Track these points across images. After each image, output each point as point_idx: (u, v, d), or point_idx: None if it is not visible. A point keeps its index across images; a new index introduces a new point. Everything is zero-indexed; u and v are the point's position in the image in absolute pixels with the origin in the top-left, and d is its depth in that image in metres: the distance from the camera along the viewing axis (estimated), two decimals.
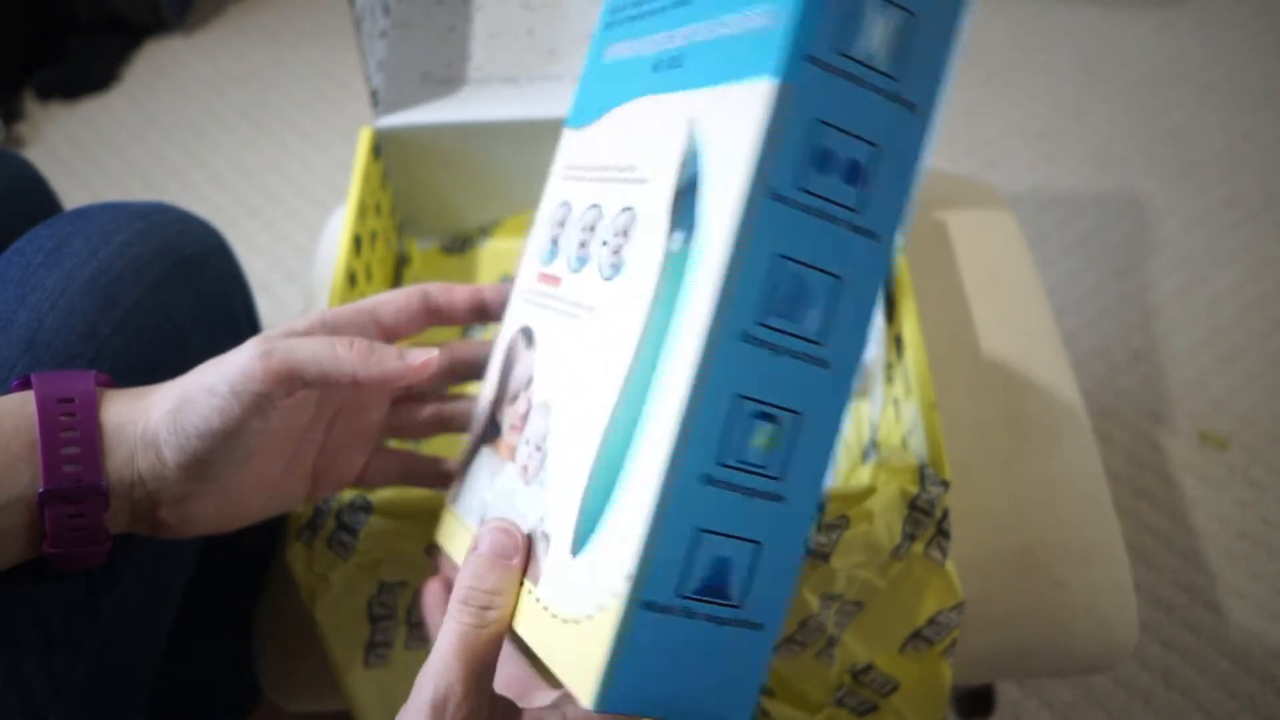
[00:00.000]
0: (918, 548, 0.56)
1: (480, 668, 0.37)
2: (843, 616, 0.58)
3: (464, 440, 0.49)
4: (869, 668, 0.59)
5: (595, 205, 0.43)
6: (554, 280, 0.44)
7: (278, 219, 1.41)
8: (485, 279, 0.80)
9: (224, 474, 0.43)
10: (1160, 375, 1.17)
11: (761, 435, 0.34)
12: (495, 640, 0.38)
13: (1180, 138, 1.43)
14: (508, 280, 0.50)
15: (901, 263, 0.68)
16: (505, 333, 0.48)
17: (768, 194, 0.33)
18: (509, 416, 0.45)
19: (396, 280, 0.80)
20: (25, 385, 0.42)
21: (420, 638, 0.59)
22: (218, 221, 0.64)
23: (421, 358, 0.43)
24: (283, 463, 0.46)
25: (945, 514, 0.55)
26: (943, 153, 1.43)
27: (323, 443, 0.48)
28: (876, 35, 0.33)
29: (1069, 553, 0.67)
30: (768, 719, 0.61)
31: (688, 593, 0.34)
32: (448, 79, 0.77)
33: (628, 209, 0.40)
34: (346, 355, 0.41)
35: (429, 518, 0.52)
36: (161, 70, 1.63)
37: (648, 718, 0.34)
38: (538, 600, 0.37)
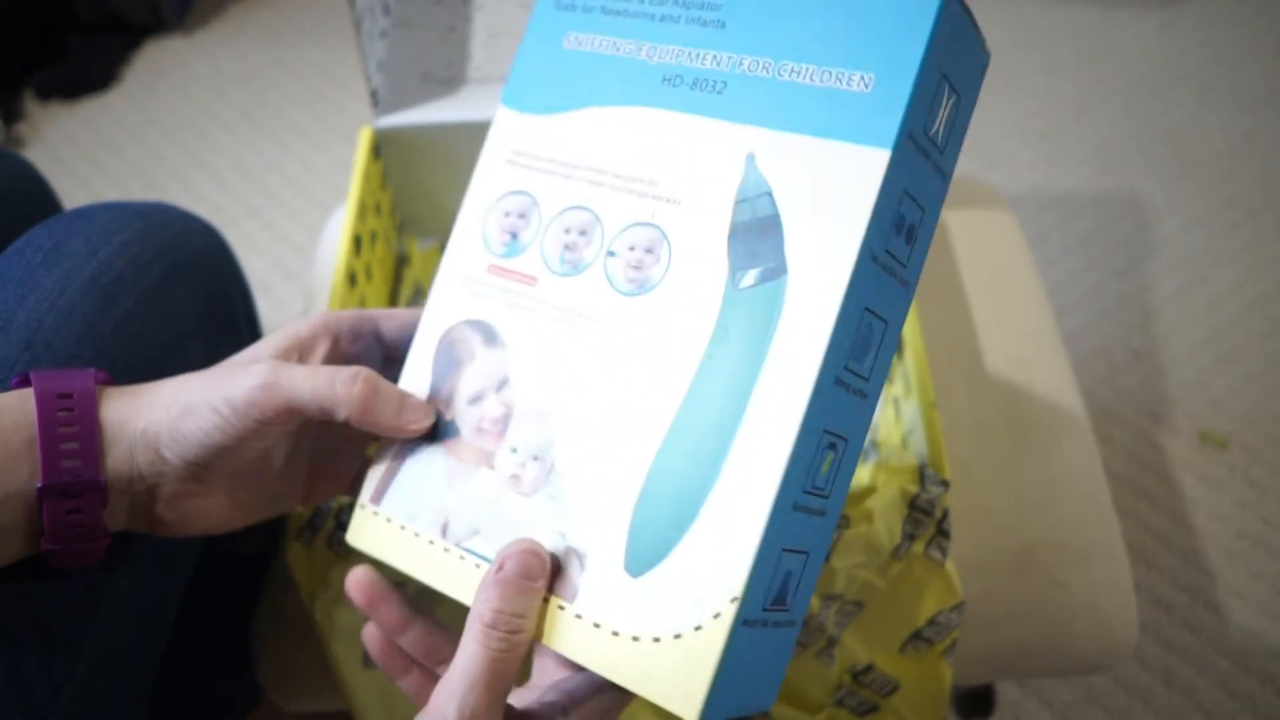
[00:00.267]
0: (918, 548, 0.56)
1: (504, 691, 0.37)
2: (843, 617, 0.58)
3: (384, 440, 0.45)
4: (869, 668, 0.59)
5: (582, 208, 0.42)
6: (526, 279, 0.42)
7: (278, 219, 1.41)
8: None
9: (222, 478, 0.44)
10: (1160, 375, 1.17)
11: (827, 462, 0.38)
12: (519, 662, 0.38)
13: (1180, 138, 1.43)
14: None
15: None
16: (437, 321, 0.44)
17: (869, 254, 0.37)
18: (469, 418, 0.42)
19: (396, 280, 0.80)
20: (24, 383, 0.42)
21: None
22: (218, 221, 0.64)
23: (416, 422, 0.42)
24: (279, 467, 0.47)
25: (945, 514, 0.55)
26: None
27: (316, 448, 0.49)
28: (941, 115, 0.38)
29: (1069, 553, 0.67)
30: (768, 719, 0.61)
31: (767, 606, 0.37)
32: (448, 79, 0.77)
33: (646, 225, 0.41)
34: (346, 398, 0.41)
35: None
36: (161, 70, 1.63)
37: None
38: (578, 616, 0.38)
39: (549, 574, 0.39)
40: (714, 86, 0.40)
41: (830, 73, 0.38)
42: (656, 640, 0.37)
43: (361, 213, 0.71)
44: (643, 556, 0.38)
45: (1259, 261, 1.28)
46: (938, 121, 0.38)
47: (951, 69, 0.38)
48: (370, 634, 0.45)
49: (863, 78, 0.37)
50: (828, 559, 0.55)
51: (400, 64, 0.76)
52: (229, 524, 0.46)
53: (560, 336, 0.41)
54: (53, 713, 0.45)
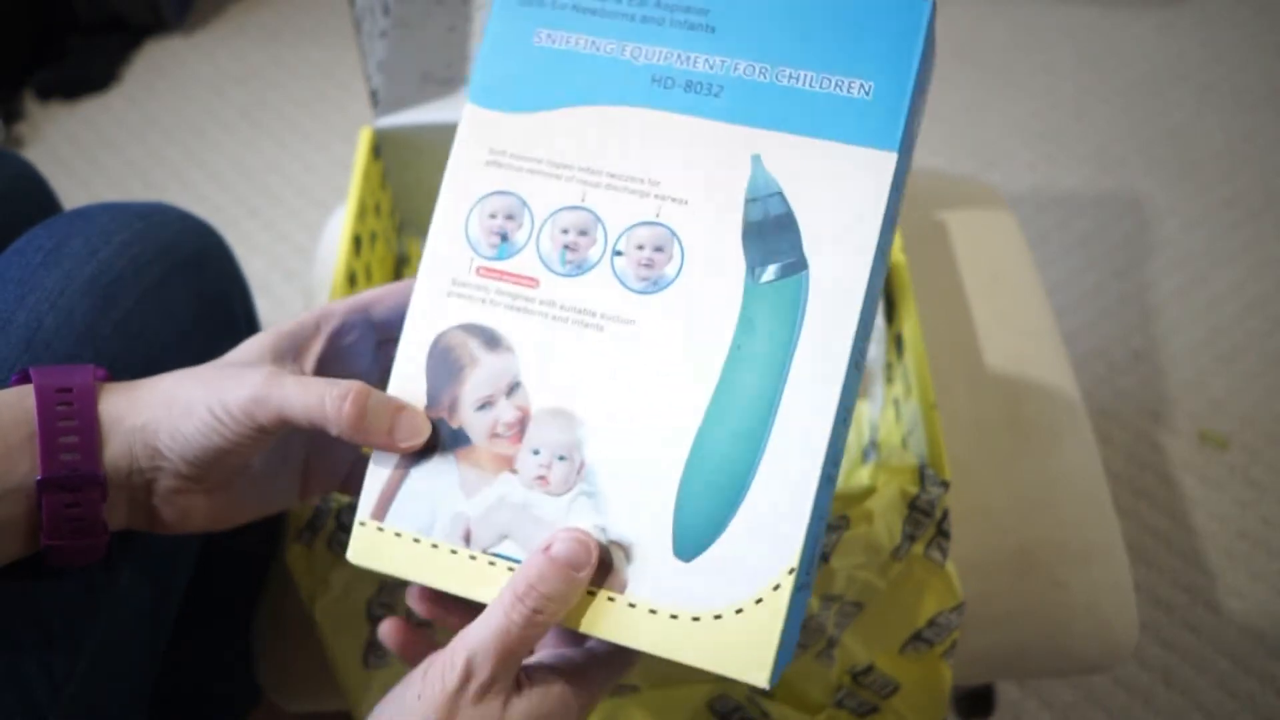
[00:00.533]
0: (918, 548, 0.56)
1: (515, 660, 0.39)
2: (843, 617, 0.58)
3: (376, 452, 0.44)
4: (869, 669, 0.59)
5: (579, 208, 0.42)
6: (526, 280, 0.42)
7: (278, 219, 1.41)
8: None
9: (220, 476, 0.44)
10: (1160, 375, 1.17)
11: (841, 436, 0.41)
12: (535, 640, 0.39)
13: (1180, 138, 1.43)
14: None
15: (901, 263, 0.68)
16: (426, 327, 0.43)
17: (879, 247, 0.40)
18: (480, 424, 0.42)
19: (396, 280, 0.80)
20: (24, 381, 0.42)
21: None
22: (218, 221, 0.64)
23: (409, 440, 0.42)
24: (276, 465, 0.47)
25: (945, 514, 0.55)
26: (943, 153, 1.43)
27: (312, 445, 0.49)
28: (919, 113, 0.42)
29: (1069, 553, 0.67)
30: (767, 719, 0.61)
31: (810, 570, 0.41)
32: (448, 79, 0.77)
33: (653, 224, 0.41)
34: (336, 417, 0.40)
35: None
36: (161, 70, 1.63)
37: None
38: (632, 605, 0.40)
39: (593, 569, 0.40)
40: (710, 89, 0.42)
41: (829, 79, 0.41)
42: (718, 617, 0.39)
43: (361, 213, 0.71)
44: (693, 541, 0.40)
45: (1259, 261, 1.28)
46: (917, 119, 0.42)
47: (926, 69, 0.42)
48: (390, 629, 0.45)
49: (862, 85, 0.40)
50: (827, 559, 0.56)
51: (400, 64, 0.76)
52: (228, 521, 0.46)
53: (572, 336, 0.41)
54: (52, 712, 0.45)
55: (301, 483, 0.49)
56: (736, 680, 0.39)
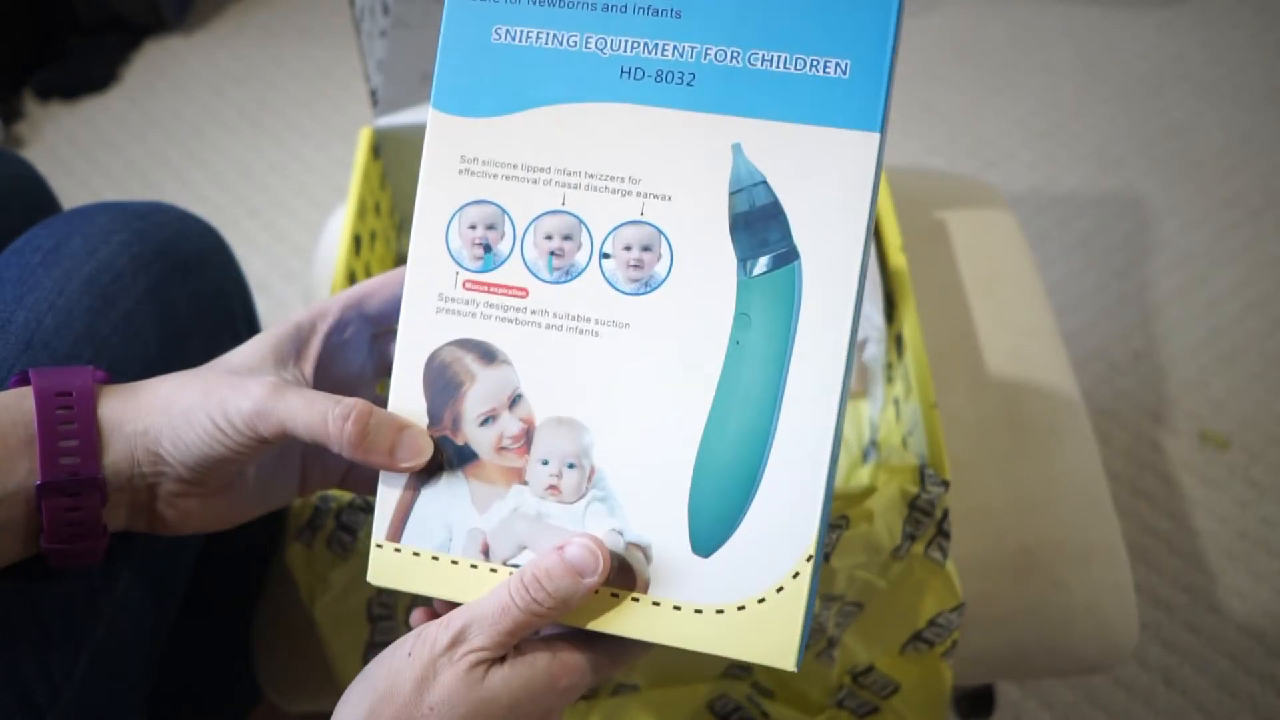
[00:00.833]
0: (918, 548, 0.56)
1: (508, 637, 0.39)
2: (843, 618, 0.58)
3: (384, 473, 0.43)
4: (869, 669, 0.59)
5: (561, 212, 0.41)
6: (515, 291, 0.42)
7: (277, 219, 1.41)
8: None
9: (222, 480, 0.44)
10: (1160, 375, 1.17)
11: (843, 417, 0.41)
12: (532, 628, 0.40)
13: (1180, 138, 1.43)
14: None
15: (901, 262, 0.68)
16: (419, 345, 0.42)
17: (869, 231, 0.40)
18: (485, 439, 0.42)
19: None
20: (23, 381, 0.42)
21: None
22: (217, 221, 0.63)
23: (410, 460, 0.41)
24: (276, 465, 0.47)
25: (945, 514, 0.55)
26: (943, 153, 1.43)
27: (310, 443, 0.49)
28: (891, 91, 0.41)
29: (1069, 553, 0.67)
30: None
31: (824, 553, 0.41)
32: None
33: (638, 223, 0.41)
34: (338, 437, 0.40)
35: None
36: (161, 70, 1.63)
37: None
38: (655, 604, 0.40)
39: (602, 577, 0.40)
40: (681, 78, 0.40)
41: (804, 60, 0.40)
42: (741, 608, 0.40)
43: (361, 213, 0.71)
44: (710, 537, 0.40)
45: (1259, 261, 1.28)
46: (891, 93, 0.40)
47: (898, 42, 0.40)
48: (420, 619, 0.45)
49: (839, 63, 0.39)
50: (828, 559, 0.55)
51: (400, 64, 0.76)
52: (228, 521, 0.46)
53: (567, 344, 0.41)
54: (52, 712, 0.45)
55: (300, 480, 0.49)
56: (758, 668, 0.40)
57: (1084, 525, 0.68)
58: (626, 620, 0.41)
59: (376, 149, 0.76)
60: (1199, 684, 0.96)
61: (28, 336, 0.47)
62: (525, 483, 0.41)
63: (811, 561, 0.39)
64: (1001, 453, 0.70)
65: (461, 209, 0.42)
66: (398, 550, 0.42)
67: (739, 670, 0.60)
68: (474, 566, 0.42)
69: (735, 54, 0.40)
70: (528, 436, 0.41)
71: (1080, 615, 0.66)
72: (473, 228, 0.42)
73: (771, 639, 0.40)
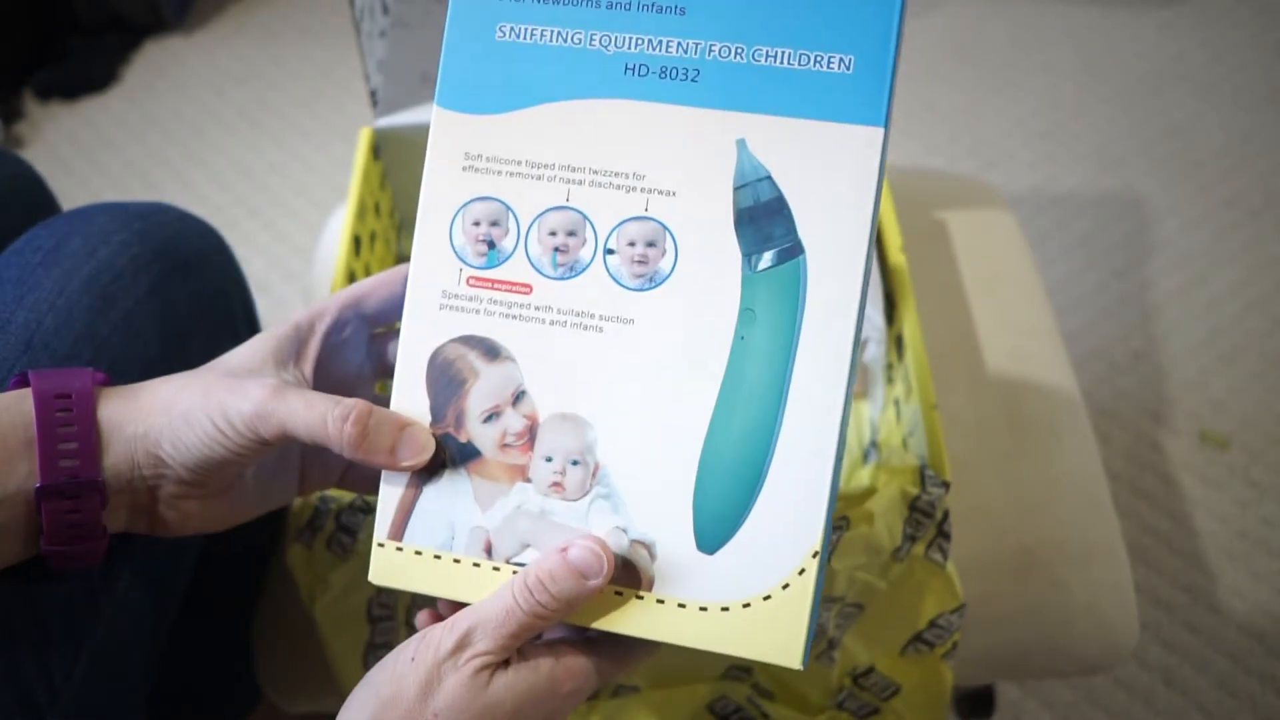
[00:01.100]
0: (918, 549, 0.56)
1: (513, 640, 0.39)
2: (843, 619, 0.58)
3: (386, 472, 0.43)
4: (869, 670, 0.59)
5: (565, 208, 0.41)
6: (519, 287, 0.42)
7: (277, 219, 1.41)
8: None
9: (222, 481, 0.44)
10: (1160, 375, 1.17)
11: (848, 413, 0.41)
12: (537, 630, 0.39)
13: (1180, 138, 1.43)
14: None
15: (901, 262, 0.67)
16: (422, 342, 0.42)
17: (874, 225, 0.40)
18: (488, 436, 0.42)
19: None
20: (23, 383, 0.42)
21: None
22: (217, 221, 0.63)
23: (412, 459, 0.41)
24: (275, 465, 0.47)
25: (945, 515, 0.55)
26: (943, 152, 1.43)
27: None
28: (894, 86, 0.41)
29: (1069, 553, 0.67)
30: None
31: (827, 544, 0.41)
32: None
33: (643, 219, 0.41)
34: (338, 438, 0.40)
35: None
36: (161, 70, 1.63)
37: None
38: (660, 601, 0.40)
39: (606, 578, 0.40)
40: (686, 74, 0.41)
41: (808, 55, 0.40)
42: (746, 606, 0.40)
43: (361, 213, 0.71)
44: (715, 534, 0.40)
45: (1259, 261, 1.28)
46: (894, 88, 0.41)
47: (901, 37, 0.40)
48: (425, 621, 0.45)
49: (842, 59, 0.40)
50: (828, 560, 0.55)
51: (400, 64, 0.76)
52: (228, 521, 0.46)
53: (572, 340, 0.41)
54: (51, 712, 0.45)
55: (300, 479, 0.49)
56: (758, 669, 0.39)
57: (1084, 525, 0.68)
58: (631, 619, 0.40)
59: (376, 149, 0.76)
60: (1199, 684, 0.96)
61: (28, 337, 0.47)
62: (528, 480, 0.41)
63: (818, 558, 0.39)
64: (1001, 453, 0.70)
65: (465, 205, 0.42)
66: (399, 549, 0.42)
67: (739, 671, 0.60)
68: (476, 565, 0.42)
69: (739, 50, 0.40)
70: (531, 433, 0.41)
71: (1080, 615, 0.66)
72: (476, 224, 0.42)
73: (777, 637, 0.39)
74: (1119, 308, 1.24)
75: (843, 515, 0.54)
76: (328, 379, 0.46)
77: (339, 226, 0.85)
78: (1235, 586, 1.01)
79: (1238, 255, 1.29)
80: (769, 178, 0.40)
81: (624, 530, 0.40)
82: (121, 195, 1.43)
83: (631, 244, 0.41)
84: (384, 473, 0.42)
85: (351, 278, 0.68)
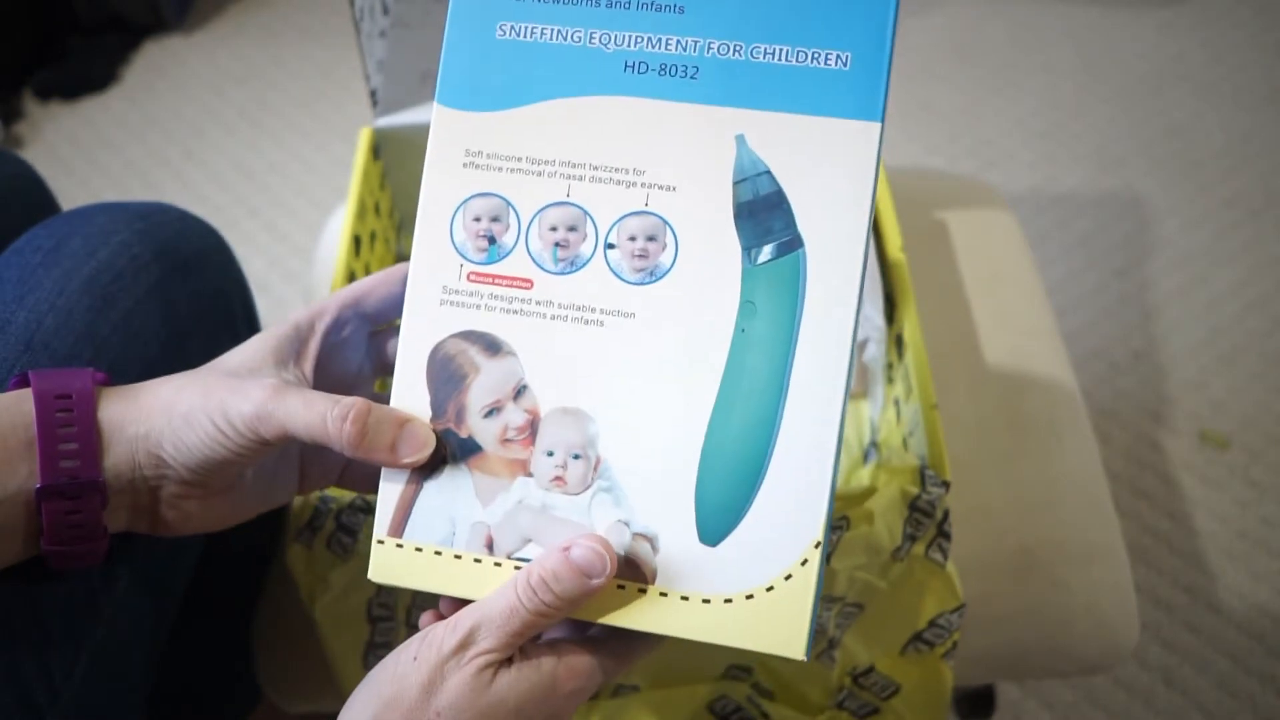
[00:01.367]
0: (918, 549, 0.56)
1: (517, 638, 0.39)
2: (843, 619, 0.58)
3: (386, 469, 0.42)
4: (869, 670, 0.59)
5: (566, 203, 0.42)
6: (520, 282, 0.42)
7: (278, 219, 1.41)
8: None
9: (224, 482, 0.44)
10: (1160, 375, 1.17)
11: (847, 403, 0.41)
12: (541, 628, 0.39)
13: (1180, 138, 1.43)
14: None
15: (901, 262, 0.67)
16: (422, 338, 0.42)
17: (871, 218, 0.40)
18: (489, 431, 0.42)
19: None
20: (23, 383, 0.42)
21: None
22: (217, 221, 0.63)
23: (412, 455, 0.41)
24: (276, 464, 0.47)
25: (946, 515, 0.55)
26: (943, 152, 1.43)
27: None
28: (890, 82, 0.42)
29: (1069, 553, 0.67)
30: None
31: (830, 537, 0.41)
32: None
33: (643, 213, 0.41)
34: (338, 437, 0.40)
35: None
36: (161, 70, 1.63)
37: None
38: (663, 594, 0.40)
39: (609, 577, 0.40)
40: (685, 71, 0.41)
41: (805, 52, 0.41)
42: (750, 597, 0.40)
43: (361, 213, 0.71)
44: (717, 525, 0.40)
45: (1259, 261, 1.28)
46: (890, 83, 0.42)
47: (895, 34, 0.41)
48: (428, 622, 0.45)
49: (839, 56, 0.41)
50: (827, 560, 0.55)
51: (400, 64, 0.76)
52: (228, 521, 0.46)
53: (573, 334, 0.41)
54: (51, 712, 0.45)
55: (300, 478, 0.49)
56: (758, 669, 0.39)
57: (1084, 525, 0.68)
58: (634, 613, 0.40)
59: (376, 149, 0.76)
60: (1199, 684, 0.96)
61: (28, 337, 0.47)
62: (530, 475, 0.41)
63: (820, 548, 0.40)
64: (1001, 453, 0.70)
65: (466, 202, 0.42)
66: (399, 546, 0.42)
67: (739, 671, 0.60)
68: (478, 561, 0.41)
69: (738, 48, 0.41)
70: (532, 428, 0.41)
71: (1080, 615, 0.66)
72: (477, 220, 0.42)
73: (781, 628, 0.40)
74: (1119, 308, 1.24)
75: (843, 515, 0.54)
76: (328, 378, 0.46)
77: (339, 226, 0.85)
78: (1235, 586, 1.01)
79: (1238, 255, 1.29)
80: (768, 172, 0.41)
81: (626, 523, 0.41)
82: (121, 195, 1.43)
83: (632, 239, 0.41)
84: (383, 469, 0.42)
85: (351, 278, 0.68)
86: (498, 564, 0.41)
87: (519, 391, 0.42)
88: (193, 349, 0.54)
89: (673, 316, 0.41)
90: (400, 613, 0.59)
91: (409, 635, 0.59)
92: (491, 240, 0.42)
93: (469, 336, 0.42)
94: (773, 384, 0.40)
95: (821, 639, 0.58)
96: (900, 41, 0.41)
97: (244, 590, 0.66)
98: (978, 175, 1.37)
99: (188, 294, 0.55)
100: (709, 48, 0.41)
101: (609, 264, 0.41)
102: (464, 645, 0.39)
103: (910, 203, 0.79)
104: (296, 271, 1.34)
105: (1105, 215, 1.34)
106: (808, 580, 0.40)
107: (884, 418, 0.69)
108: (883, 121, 0.40)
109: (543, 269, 0.42)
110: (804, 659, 0.40)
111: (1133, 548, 1.01)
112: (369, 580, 0.43)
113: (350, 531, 0.57)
